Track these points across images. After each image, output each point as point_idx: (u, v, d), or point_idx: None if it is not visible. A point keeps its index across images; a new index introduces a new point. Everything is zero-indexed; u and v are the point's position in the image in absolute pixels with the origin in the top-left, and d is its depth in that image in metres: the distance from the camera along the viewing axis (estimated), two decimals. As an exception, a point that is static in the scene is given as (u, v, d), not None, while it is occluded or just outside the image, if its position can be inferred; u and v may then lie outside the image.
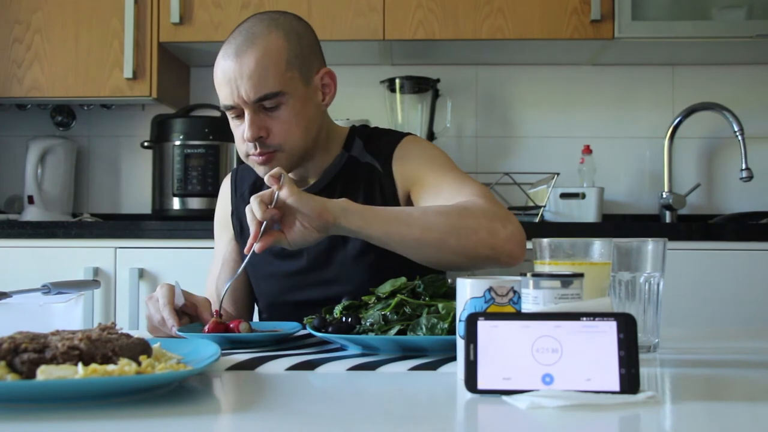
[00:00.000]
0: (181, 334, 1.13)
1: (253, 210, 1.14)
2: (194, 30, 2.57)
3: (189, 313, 1.23)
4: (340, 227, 1.17)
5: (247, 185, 1.57)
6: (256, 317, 1.63)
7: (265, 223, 1.14)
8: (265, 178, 1.15)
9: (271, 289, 1.50)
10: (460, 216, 1.22)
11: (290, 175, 1.45)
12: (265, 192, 1.15)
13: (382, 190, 1.43)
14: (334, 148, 1.48)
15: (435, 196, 1.35)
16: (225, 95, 1.36)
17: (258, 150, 1.36)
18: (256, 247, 1.14)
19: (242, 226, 1.54)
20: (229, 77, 1.34)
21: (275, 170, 1.15)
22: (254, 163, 1.39)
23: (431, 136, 2.80)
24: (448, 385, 0.85)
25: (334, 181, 1.45)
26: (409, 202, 1.43)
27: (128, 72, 2.55)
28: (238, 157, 2.63)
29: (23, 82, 2.59)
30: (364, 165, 1.46)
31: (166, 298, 1.21)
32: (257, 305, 1.60)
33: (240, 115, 1.37)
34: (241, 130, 1.37)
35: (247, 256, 1.18)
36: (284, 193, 1.14)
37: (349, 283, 1.40)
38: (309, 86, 1.40)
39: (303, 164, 1.44)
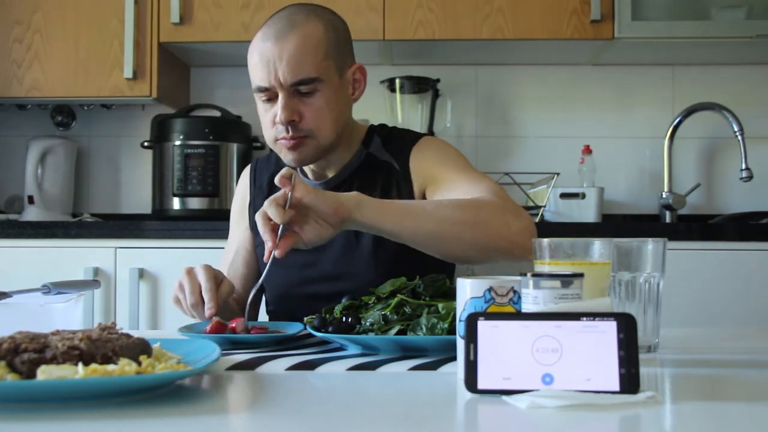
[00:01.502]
0: (181, 334, 1.12)
1: (271, 215, 1.10)
2: (194, 30, 2.57)
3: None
4: (354, 221, 1.15)
5: (266, 177, 1.58)
6: (263, 309, 1.62)
7: (281, 226, 1.12)
8: (276, 180, 1.12)
9: (281, 280, 1.49)
10: (474, 209, 1.23)
11: (312, 167, 1.48)
12: (277, 195, 1.12)
13: (399, 189, 1.45)
14: (354, 144, 1.50)
15: (449, 193, 1.36)
16: (261, 76, 1.36)
17: (289, 134, 1.36)
18: (276, 253, 1.12)
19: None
20: (268, 58, 1.35)
21: (285, 170, 1.13)
22: (282, 147, 1.39)
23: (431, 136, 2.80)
24: (448, 385, 0.85)
25: (351, 177, 1.48)
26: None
27: (128, 72, 2.55)
28: (240, 157, 2.65)
29: (23, 82, 2.59)
30: (382, 163, 1.48)
31: (211, 282, 1.24)
32: (265, 295, 1.60)
33: (272, 99, 1.38)
34: (271, 113, 1.38)
35: (267, 264, 1.15)
36: (299, 193, 1.11)
37: (360, 278, 1.40)
38: (342, 78, 1.43)
39: (325, 156, 1.44)
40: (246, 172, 1.66)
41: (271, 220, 1.11)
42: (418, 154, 1.47)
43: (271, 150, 1.48)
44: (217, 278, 1.27)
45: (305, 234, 1.14)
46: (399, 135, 1.54)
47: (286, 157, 1.41)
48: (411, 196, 1.44)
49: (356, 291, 1.21)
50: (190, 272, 1.26)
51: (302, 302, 1.46)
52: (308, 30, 1.37)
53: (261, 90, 1.38)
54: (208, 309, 1.22)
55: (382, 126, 1.58)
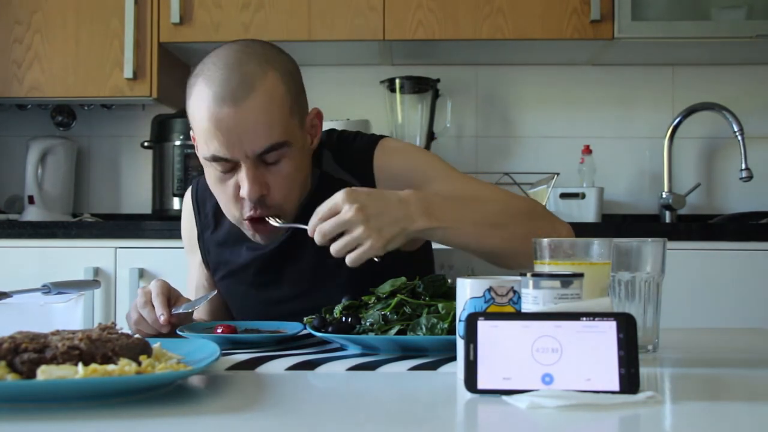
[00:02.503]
0: (181, 334, 1.12)
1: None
2: (194, 30, 2.57)
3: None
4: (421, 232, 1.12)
5: (210, 206, 1.42)
6: None
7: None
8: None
9: (250, 318, 1.38)
10: (528, 220, 1.21)
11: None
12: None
13: None
14: None
15: None
16: (217, 146, 1.17)
17: (257, 213, 1.21)
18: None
19: (210, 253, 1.44)
20: (228, 127, 1.16)
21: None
22: (248, 227, 1.25)
23: (431, 136, 2.80)
24: (448, 385, 0.85)
25: (310, 205, 1.17)
26: None
27: (128, 72, 2.55)
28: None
29: (23, 82, 2.59)
30: (338, 182, 1.30)
31: (159, 288, 1.17)
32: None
33: (229, 170, 1.20)
34: (231, 187, 1.21)
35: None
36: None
37: (327, 296, 1.27)
38: (303, 131, 1.26)
39: None
40: (187, 199, 1.48)
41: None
42: (384, 164, 1.32)
43: None
44: (171, 292, 1.20)
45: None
46: (349, 144, 1.37)
47: (254, 238, 1.27)
48: None
49: (346, 296, 1.17)
50: (143, 288, 1.20)
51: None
52: (269, 87, 1.18)
53: (217, 159, 1.19)
54: (161, 315, 1.14)
55: (329, 135, 1.39)
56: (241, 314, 1.45)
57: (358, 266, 1.08)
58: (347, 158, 1.35)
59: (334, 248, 1.07)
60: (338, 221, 1.06)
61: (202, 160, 1.25)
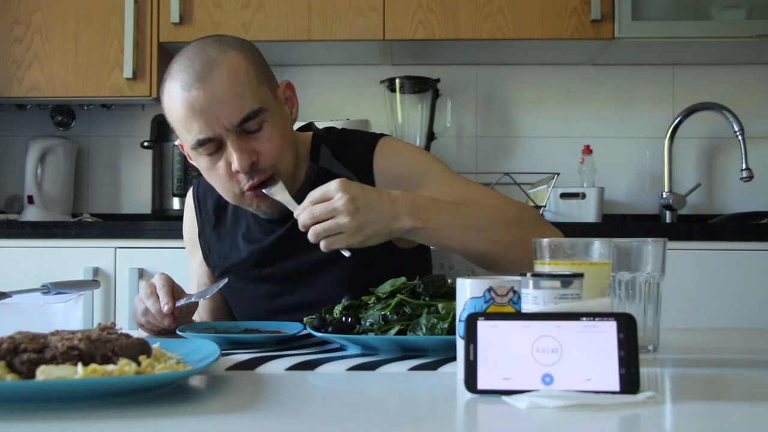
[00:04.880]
0: (182, 334, 1.12)
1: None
2: (194, 30, 2.57)
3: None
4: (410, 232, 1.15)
5: (211, 203, 1.46)
6: None
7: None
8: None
9: (250, 314, 1.42)
10: (518, 226, 1.21)
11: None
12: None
13: None
14: (302, 161, 1.36)
15: None
16: (199, 128, 1.21)
17: (254, 180, 1.24)
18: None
19: (210, 249, 1.47)
20: (201, 106, 1.19)
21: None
22: (251, 200, 1.27)
23: (431, 136, 2.80)
24: (448, 385, 0.85)
25: (304, 197, 1.18)
26: None
27: (128, 72, 2.55)
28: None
29: (23, 82, 2.59)
30: (335, 177, 1.23)
31: (163, 281, 1.20)
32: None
33: (216, 151, 1.23)
34: (223, 166, 1.24)
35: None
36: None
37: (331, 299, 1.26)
38: (277, 100, 1.30)
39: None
40: (189, 198, 1.52)
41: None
42: (384, 163, 1.34)
43: None
44: (174, 286, 1.23)
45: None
46: (349, 140, 1.39)
47: (258, 209, 1.29)
48: None
49: (346, 296, 1.17)
50: (147, 280, 1.23)
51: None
52: (230, 61, 1.22)
53: (202, 143, 1.22)
54: (165, 305, 1.17)
55: (328, 131, 1.41)
56: (240, 311, 1.46)
57: (328, 252, 1.11)
58: (347, 154, 1.37)
59: (315, 229, 1.09)
60: (328, 206, 1.08)
61: (190, 153, 1.28)
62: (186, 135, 1.24)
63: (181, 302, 1.19)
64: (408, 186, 1.27)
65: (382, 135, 1.40)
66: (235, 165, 1.22)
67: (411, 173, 1.33)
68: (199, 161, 1.27)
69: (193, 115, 1.20)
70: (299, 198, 1.20)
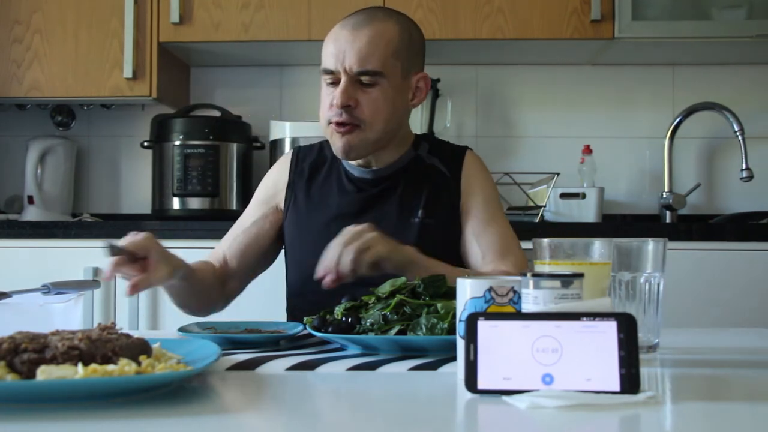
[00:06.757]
0: (182, 334, 1.12)
1: (343, 261, 1.23)
2: (194, 30, 2.57)
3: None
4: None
5: (308, 163, 1.62)
6: (280, 306, 1.61)
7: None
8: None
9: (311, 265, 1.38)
10: None
11: (360, 162, 1.53)
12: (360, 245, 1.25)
13: (449, 195, 1.53)
14: (405, 147, 1.57)
15: (480, 235, 1.50)
16: (329, 59, 1.44)
17: (342, 117, 1.43)
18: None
19: (296, 198, 1.60)
20: (340, 44, 1.43)
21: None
22: (333, 132, 1.45)
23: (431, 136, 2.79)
24: (448, 385, 0.85)
25: (397, 174, 1.54)
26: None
27: (128, 72, 2.54)
28: (239, 157, 2.64)
29: (23, 82, 2.59)
30: (429, 166, 1.56)
31: (141, 246, 1.20)
32: (287, 277, 1.60)
33: (334, 83, 1.45)
34: (329, 96, 1.45)
35: None
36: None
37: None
38: (405, 81, 1.49)
39: (373, 153, 1.51)
40: (287, 156, 1.68)
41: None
42: (471, 171, 1.56)
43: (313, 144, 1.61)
44: (145, 248, 1.23)
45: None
46: (442, 143, 1.65)
47: (335, 143, 1.47)
48: (457, 204, 1.53)
49: (346, 296, 1.18)
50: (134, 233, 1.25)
51: (326, 295, 1.32)
52: (384, 27, 1.46)
53: (326, 72, 1.45)
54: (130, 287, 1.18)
55: (426, 135, 1.66)
56: (294, 262, 1.58)
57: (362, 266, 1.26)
58: (442, 151, 1.61)
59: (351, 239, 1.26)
60: (361, 231, 1.28)
61: (321, 78, 1.48)
62: (323, 60, 1.47)
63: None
64: (480, 208, 1.52)
65: (464, 146, 1.64)
66: (335, 99, 1.43)
67: (487, 199, 1.54)
68: (323, 85, 1.49)
69: (331, 46, 1.45)
70: (395, 172, 1.54)
